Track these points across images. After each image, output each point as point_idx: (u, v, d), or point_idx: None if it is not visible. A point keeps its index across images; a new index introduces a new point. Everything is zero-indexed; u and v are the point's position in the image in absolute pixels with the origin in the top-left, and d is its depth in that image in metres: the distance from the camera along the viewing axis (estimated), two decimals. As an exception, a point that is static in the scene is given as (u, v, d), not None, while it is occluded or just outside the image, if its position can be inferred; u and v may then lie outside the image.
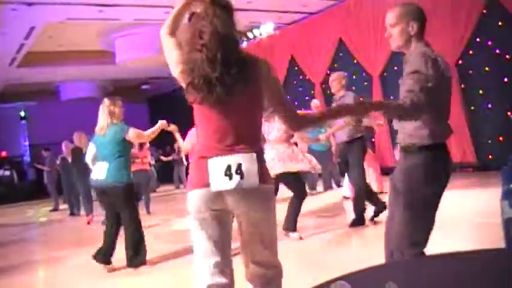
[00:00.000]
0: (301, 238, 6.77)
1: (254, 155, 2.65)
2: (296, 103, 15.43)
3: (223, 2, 2.69)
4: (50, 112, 22.81)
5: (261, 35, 17.18)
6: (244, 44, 17.96)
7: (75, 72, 19.47)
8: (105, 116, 6.15)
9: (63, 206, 15.11)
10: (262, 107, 2.78)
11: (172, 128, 6.73)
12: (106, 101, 6.26)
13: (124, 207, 6.12)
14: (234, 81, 2.58)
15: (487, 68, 11.08)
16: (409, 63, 3.12)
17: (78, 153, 11.23)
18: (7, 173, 22.38)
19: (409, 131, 3.22)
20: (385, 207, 7.09)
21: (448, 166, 3.24)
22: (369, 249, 5.98)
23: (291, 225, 6.80)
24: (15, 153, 24.15)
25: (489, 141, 11.17)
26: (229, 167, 2.60)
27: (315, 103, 11.16)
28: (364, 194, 7.25)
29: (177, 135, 6.96)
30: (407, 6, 3.30)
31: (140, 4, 12.90)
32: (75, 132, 11.59)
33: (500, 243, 1.66)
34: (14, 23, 12.97)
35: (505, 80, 10.72)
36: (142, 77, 22.04)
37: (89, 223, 11.25)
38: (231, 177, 2.60)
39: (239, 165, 2.60)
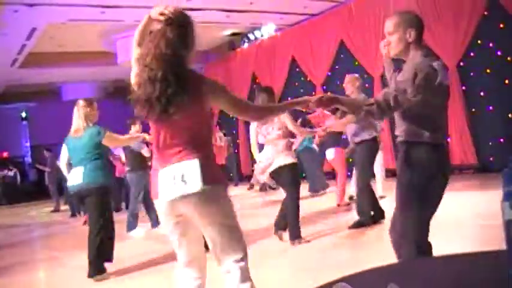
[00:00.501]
0: (308, 241, 6.71)
1: (196, 160, 2.77)
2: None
3: (179, 20, 2.85)
4: (51, 113, 22.78)
5: (262, 36, 17.21)
6: (246, 46, 18.00)
7: (77, 73, 19.50)
8: (81, 118, 5.99)
9: (64, 207, 15.15)
10: (207, 119, 2.95)
11: (151, 138, 6.44)
12: (81, 102, 6.07)
13: (93, 209, 5.92)
14: (172, 99, 2.72)
15: (488, 70, 11.07)
16: (402, 73, 3.26)
17: None
18: (10, 173, 22.37)
19: (398, 132, 3.38)
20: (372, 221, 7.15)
21: (429, 161, 3.25)
22: (370, 250, 5.98)
23: (296, 232, 6.56)
24: (16, 153, 24.18)
25: (490, 143, 11.16)
26: (174, 176, 2.78)
27: None
28: (364, 195, 7.24)
29: None
30: (405, 15, 3.37)
31: (142, 5, 12.89)
32: None
33: (501, 245, 1.66)
34: (15, 24, 12.99)
35: (506, 81, 10.72)
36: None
37: (85, 222, 11.21)
38: (176, 186, 2.77)
39: (183, 174, 2.77)
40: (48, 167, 15.75)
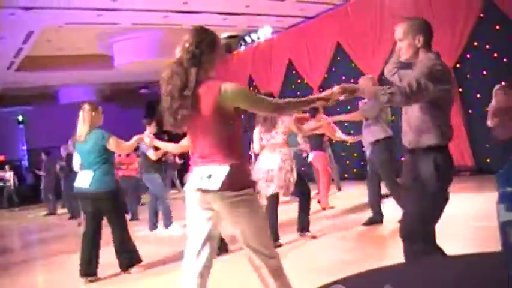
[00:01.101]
0: (314, 237, 6.89)
1: (226, 166, 3.03)
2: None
3: (194, 40, 3.14)
4: (48, 116, 22.75)
5: (258, 39, 17.22)
6: (242, 49, 18.02)
7: (74, 76, 19.46)
8: (85, 122, 6.06)
9: (61, 210, 15.16)
10: (228, 124, 3.12)
11: (149, 141, 6.54)
12: (86, 106, 6.15)
13: (110, 211, 6.10)
14: (177, 112, 3.08)
15: (484, 72, 11.10)
16: (417, 68, 3.43)
17: (71, 159, 11.65)
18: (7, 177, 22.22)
19: (409, 139, 3.53)
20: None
21: (446, 163, 3.44)
22: (366, 252, 5.98)
23: (303, 225, 6.94)
24: (13, 157, 24.09)
25: (487, 145, 11.17)
26: (202, 177, 3.08)
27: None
28: (394, 191, 7.14)
29: (159, 143, 6.74)
30: (413, 21, 3.56)
31: (138, 8, 12.91)
32: (71, 137, 11.91)
33: (498, 247, 1.66)
34: (12, 28, 12.97)
35: (503, 83, 10.73)
36: (141, 81, 22.04)
37: (79, 224, 11.41)
38: (202, 181, 3.07)
39: (210, 174, 3.04)
40: (42, 171, 15.80)
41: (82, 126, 6.08)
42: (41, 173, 16.10)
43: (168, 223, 8.98)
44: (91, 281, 5.97)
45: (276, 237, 6.64)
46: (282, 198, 6.93)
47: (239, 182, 3.06)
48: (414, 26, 3.51)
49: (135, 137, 6.40)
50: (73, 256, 7.72)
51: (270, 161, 6.54)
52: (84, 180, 6.00)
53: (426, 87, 3.17)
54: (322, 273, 4.99)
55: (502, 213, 1.49)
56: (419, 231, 3.42)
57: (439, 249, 3.44)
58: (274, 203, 6.69)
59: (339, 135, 8.61)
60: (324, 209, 9.42)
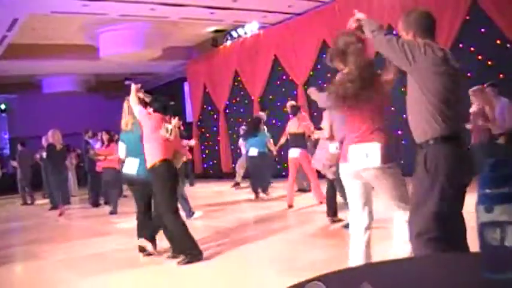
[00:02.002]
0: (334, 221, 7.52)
1: (378, 144, 3.74)
2: (278, 104, 15.42)
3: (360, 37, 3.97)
4: (32, 105, 22.60)
5: (245, 34, 17.21)
6: (228, 43, 18.00)
7: (58, 65, 19.29)
8: (130, 113, 6.28)
9: (41, 201, 15.07)
10: (385, 109, 4.00)
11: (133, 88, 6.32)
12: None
13: (139, 197, 6.50)
14: (361, 92, 3.81)
15: (469, 74, 11.18)
16: None
17: (52, 150, 11.66)
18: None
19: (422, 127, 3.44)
20: None
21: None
22: (348, 250, 6.00)
23: (330, 211, 7.61)
24: (-5, 146, 23.92)
25: (468, 147, 11.25)
26: (362, 153, 3.78)
27: (291, 103, 10.80)
28: None
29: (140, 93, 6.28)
30: (406, 17, 3.61)
31: (125, 0, 12.84)
32: (51, 129, 12.06)
33: (476, 248, 1.68)
34: (-4, 15, 12.85)
35: (485, 85, 10.82)
36: (126, 72, 21.92)
37: (60, 214, 11.53)
38: (362, 160, 3.77)
39: (368, 152, 3.75)
40: (17, 162, 15.72)
41: (127, 116, 6.35)
42: (15, 163, 15.99)
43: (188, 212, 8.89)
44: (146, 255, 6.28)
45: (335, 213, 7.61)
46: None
47: (385, 156, 3.72)
48: (405, 22, 3.56)
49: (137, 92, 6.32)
50: (54, 248, 7.70)
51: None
52: (131, 167, 6.32)
53: (402, 45, 3.34)
54: (301, 271, 5.01)
55: (481, 215, 1.51)
56: (424, 230, 3.24)
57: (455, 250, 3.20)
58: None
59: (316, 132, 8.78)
60: (321, 203, 9.33)
